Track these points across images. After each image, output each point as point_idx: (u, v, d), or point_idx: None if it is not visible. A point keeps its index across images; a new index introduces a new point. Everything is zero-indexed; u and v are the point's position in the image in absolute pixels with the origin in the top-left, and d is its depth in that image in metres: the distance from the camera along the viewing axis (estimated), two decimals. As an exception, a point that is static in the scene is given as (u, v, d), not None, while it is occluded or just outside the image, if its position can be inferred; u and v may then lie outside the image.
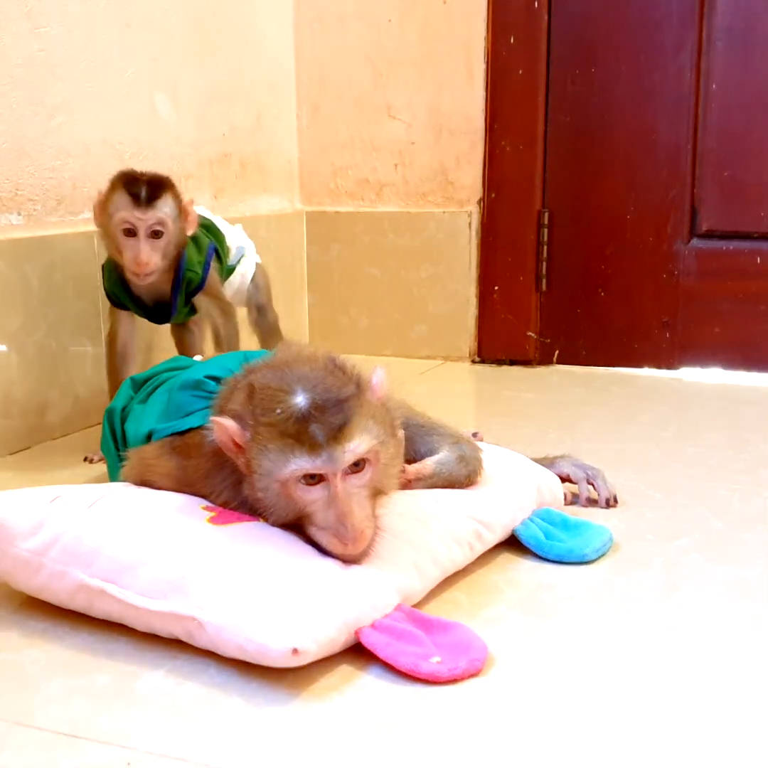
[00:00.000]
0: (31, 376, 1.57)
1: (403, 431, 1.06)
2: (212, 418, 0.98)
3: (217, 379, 1.08)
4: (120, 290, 1.55)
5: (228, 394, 1.01)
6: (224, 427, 0.95)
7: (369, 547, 0.94)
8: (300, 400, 0.92)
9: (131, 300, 1.56)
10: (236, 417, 0.96)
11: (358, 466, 0.94)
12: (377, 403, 0.98)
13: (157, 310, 1.59)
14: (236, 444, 0.96)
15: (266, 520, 0.97)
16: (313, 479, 0.93)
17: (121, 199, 1.47)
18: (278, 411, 0.92)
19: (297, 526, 0.96)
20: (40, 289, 1.58)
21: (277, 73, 2.27)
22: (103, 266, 1.58)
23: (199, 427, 1.04)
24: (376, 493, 0.97)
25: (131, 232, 1.47)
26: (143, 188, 1.48)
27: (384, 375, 1.01)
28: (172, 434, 1.08)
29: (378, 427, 0.95)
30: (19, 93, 1.56)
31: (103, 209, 1.49)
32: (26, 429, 1.57)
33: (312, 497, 0.93)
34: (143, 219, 1.46)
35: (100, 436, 1.30)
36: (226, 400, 1.01)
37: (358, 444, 0.92)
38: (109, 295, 1.57)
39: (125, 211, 1.46)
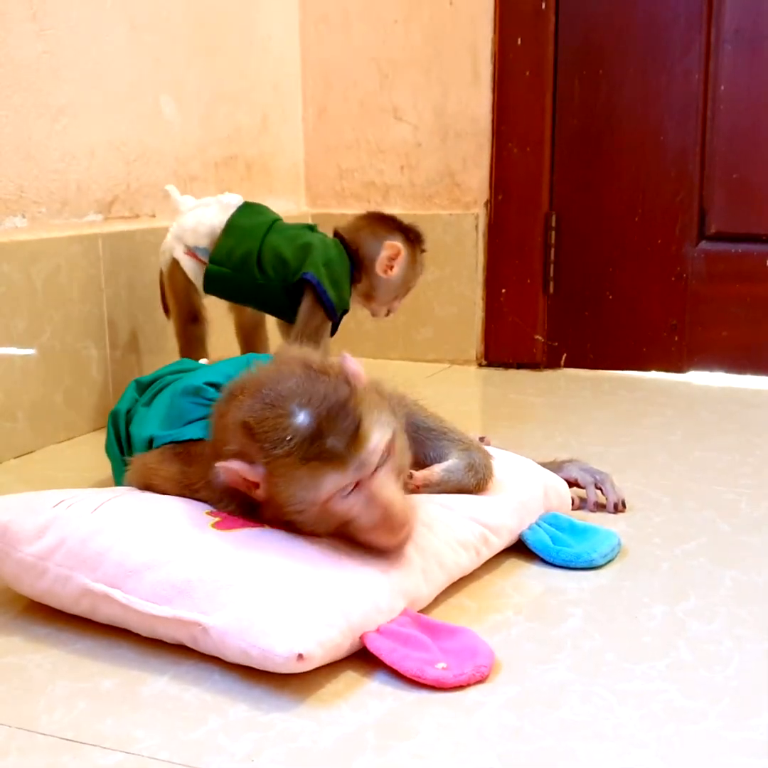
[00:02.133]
0: (35, 378, 1.57)
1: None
2: (217, 464, 0.95)
3: (216, 386, 1.07)
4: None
5: (217, 420, 1.00)
6: (233, 471, 0.94)
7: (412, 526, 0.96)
8: (302, 418, 0.90)
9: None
10: (240, 455, 0.94)
11: (382, 457, 0.93)
12: (369, 390, 0.96)
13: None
14: (249, 481, 0.94)
15: (302, 533, 0.96)
16: (350, 488, 0.92)
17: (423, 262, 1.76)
18: (288, 438, 0.90)
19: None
20: (44, 292, 1.58)
21: (282, 74, 2.27)
22: (337, 285, 1.63)
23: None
24: (399, 473, 0.97)
25: None
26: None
27: (351, 359, 0.98)
28: (173, 441, 1.08)
29: (383, 414, 0.95)
30: (24, 95, 1.56)
31: (412, 266, 1.71)
32: (31, 432, 1.57)
33: (350, 504, 0.93)
34: None
35: (105, 439, 1.29)
36: (219, 430, 0.99)
37: (377, 441, 0.92)
38: (338, 311, 1.65)
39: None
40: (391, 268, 1.69)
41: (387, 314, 1.77)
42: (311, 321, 1.63)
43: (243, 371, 1.02)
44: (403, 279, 1.72)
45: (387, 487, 0.93)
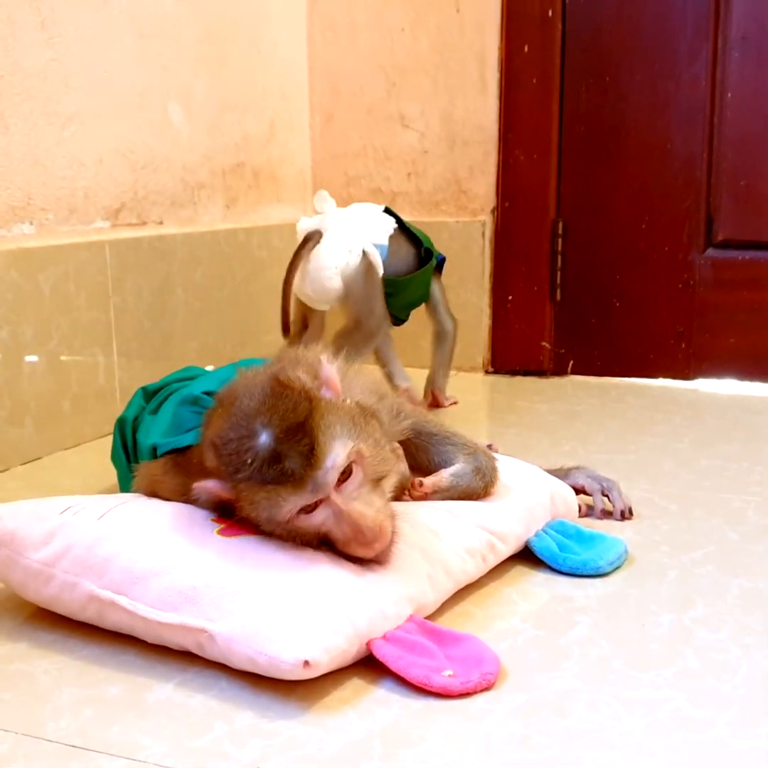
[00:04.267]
0: (42, 385, 1.57)
1: (392, 400, 1.06)
2: (195, 485, 0.96)
3: (213, 394, 1.07)
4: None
5: (204, 431, 1.01)
6: (208, 490, 0.95)
7: (392, 537, 0.94)
8: (263, 440, 0.90)
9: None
10: (216, 473, 0.95)
11: (345, 472, 0.92)
12: (335, 401, 0.95)
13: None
14: (226, 499, 0.95)
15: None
16: (312, 507, 0.92)
17: None
18: (249, 461, 0.90)
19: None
20: (52, 299, 1.58)
21: (289, 82, 2.27)
22: (395, 292, 1.73)
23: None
24: (377, 481, 0.96)
25: None
26: None
27: (329, 363, 0.98)
28: (174, 450, 1.08)
29: (347, 427, 0.93)
30: (33, 103, 1.56)
31: None
32: (38, 438, 1.57)
33: (319, 520, 0.93)
34: None
35: (111, 447, 1.30)
36: (202, 442, 1.00)
37: (334, 458, 0.90)
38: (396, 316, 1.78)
39: None
40: None
41: None
42: None
43: (232, 379, 1.03)
44: None
45: (356, 501, 0.92)
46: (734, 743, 0.77)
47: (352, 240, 1.67)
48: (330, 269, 1.65)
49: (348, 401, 0.97)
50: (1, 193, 1.52)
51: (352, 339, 1.68)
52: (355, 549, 0.93)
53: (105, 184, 1.72)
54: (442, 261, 1.87)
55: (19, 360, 1.53)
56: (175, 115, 1.89)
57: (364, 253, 1.67)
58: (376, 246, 1.69)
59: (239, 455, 0.91)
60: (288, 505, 0.91)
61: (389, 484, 0.99)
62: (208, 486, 0.95)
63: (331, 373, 0.97)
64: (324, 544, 0.95)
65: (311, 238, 1.67)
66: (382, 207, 1.78)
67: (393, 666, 0.86)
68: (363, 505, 0.92)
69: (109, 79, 1.71)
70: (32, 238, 1.58)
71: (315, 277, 1.66)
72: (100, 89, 1.69)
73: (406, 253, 1.77)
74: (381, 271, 1.69)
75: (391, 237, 1.72)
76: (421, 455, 1.13)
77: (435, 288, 1.87)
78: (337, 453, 0.91)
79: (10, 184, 1.54)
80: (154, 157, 1.84)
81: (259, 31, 2.14)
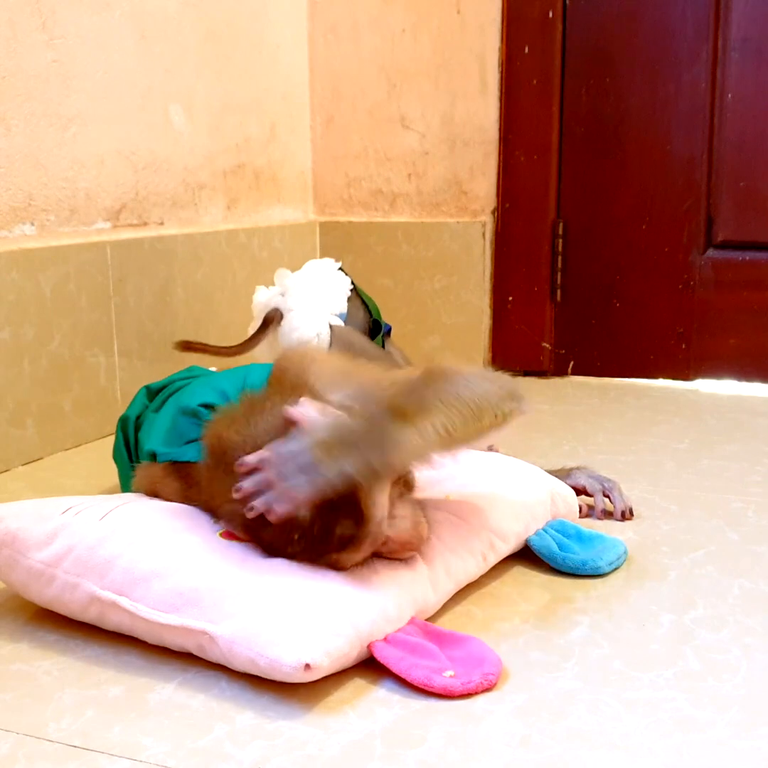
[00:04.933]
0: (44, 386, 1.57)
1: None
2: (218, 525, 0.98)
3: (211, 406, 1.07)
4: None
5: (209, 449, 1.01)
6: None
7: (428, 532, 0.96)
8: (303, 515, 0.88)
9: None
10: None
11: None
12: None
13: None
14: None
15: None
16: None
17: None
18: (296, 538, 0.90)
19: None
20: (53, 300, 1.58)
21: (291, 84, 2.27)
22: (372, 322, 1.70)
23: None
24: (401, 489, 0.95)
25: None
26: None
27: (306, 405, 0.93)
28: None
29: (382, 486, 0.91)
30: (34, 104, 1.56)
31: None
32: (39, 439, 1.57)
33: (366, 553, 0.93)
34: None
35: (113, 444, 1.30)
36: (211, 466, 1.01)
37: (380, 508, 0.90)
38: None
39: None
40: None
41: None
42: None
43: (238, 390, 1.04)
44: None
45: (394, 520, 0.92)
46: (734, 743, 0.77)
47: (316, 319, 1.62)
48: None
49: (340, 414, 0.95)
50: (2, 194, 1.52)
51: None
52: (400, 556, 0.94)
53: (106, 185, 1.72)
54: (388, 331, 1.78)
55: (20, 360, 1.53)
56: (176, 117, 1.89)
57: (331, 328, 1.65)
58: (338, 315, 1.65)
59: (284, 534, 0.91)
60: (349, 565, 0.92)
61: (407, 480, 0.98)
62: (236, 533, 0.96)
63: (303, 413, 0.92)
64: None
65: (272, 319, 1.61)
66: (338, 264, 1.71)
67: (394, 668, 0.86)
68: (400, 520, 0.93)
69: (110, 80, 1.72)
70: (33, 239, 1.58)
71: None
72: (101, 90, 1.70)
73: (362, 317, 1.73)
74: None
75: (348, 299, 1.67)
76: None
77: (393, 352, 1.78)
78: (379, 501, 0.89)
79: (12, 185, 1.54)
80: (155, 158, 1.84)
81: (261, 32, 2.14)
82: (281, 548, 0.92)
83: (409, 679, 0.85)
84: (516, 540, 1.12)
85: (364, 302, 1.73)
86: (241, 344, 1.63)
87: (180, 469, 1.07)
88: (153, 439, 1.14)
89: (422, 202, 2.31)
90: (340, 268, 1.69)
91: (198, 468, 1.03)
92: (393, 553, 0.95)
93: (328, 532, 0.89)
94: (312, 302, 1.63)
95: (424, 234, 2.29)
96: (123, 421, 1.27)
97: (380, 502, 0.90)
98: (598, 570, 1.10)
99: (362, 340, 1.67)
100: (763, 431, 1.77)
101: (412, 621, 0.92)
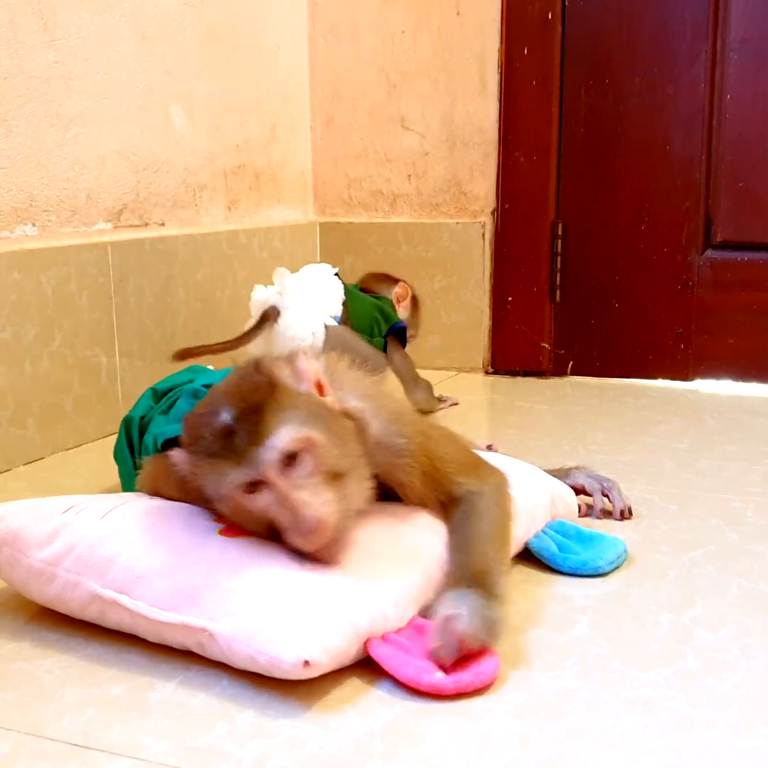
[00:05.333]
0: (45, 385, 1.58)
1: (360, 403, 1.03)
2: (170, 451, 1.00)
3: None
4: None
5: None
6: (175, 458, 0.99)
7: (338, 535, 0.93)
8: (220, 417, 0.92)
9: None
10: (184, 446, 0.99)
11: (293, 458, 0.92)
12: (302, 392, 0.96)
13: None
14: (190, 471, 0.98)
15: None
16: (256, 487, 0.92)
17: None
18: (206, 436, 0.93)
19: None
20: (54, 300, 1.59)
21: (291, 84, 2.28)
22: (376, 334, 1.78)
23: None
24: (334, 476, 0.94)
25: None
26: None
27: (307, 360, 0.99)
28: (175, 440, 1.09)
29: (302, 414, 0.93)
30: (35, 105, 1.57)
31: (414, 314, 1.94)
32: (40, 439, 1.58)
33: (263, 504, 0.92)
34: None
35: (115, 443, 1.30)
36: None
37: (278, 439, 0.91)
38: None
39: None
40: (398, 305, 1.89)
41: None
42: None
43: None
44: (408, 323, 1.89)
45: (304, 489, 0.91)
46: (733, 743, 0.77)
47: (312, 319, 1.67)
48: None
49: (328, 399, 0.98)
50: (3, 195, 1.53)
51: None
52: (294, 538, 0.91)
53: (107, 186, 1.72)
54: (402, 329, 1.85)
55: (21, 360, 1.53)
56: (177, 118, 1.89)
57: (326, 327, 1.68)
58: (333, 317, 1.71)
59: (198, 429, 0.95)
60: (227, 479, 0.92)
61: (353, 484, 0.96)
62: (174, 456, 0.98)
63: (307, 367, 0.98)
64: (274, 537, 0.94)
65: (269, 316, 1.67)
66: (335, 270, 1.77)
67: (385, 665, 0.86)
68: (308, 494, 0.91)
69: (111, 81, 1.72)
70: (34, 240, 1.58)
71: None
72: (102, 91, 1.70)
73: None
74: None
75: (342, 303, 1.74)
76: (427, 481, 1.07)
77: (396, 358, 1.83)
78: (282, 434, 0.91)
79: (13, 186, 1.54)
80: (156, 159, 1.84)
81: (261, 34, 2.14)
82: (191, 443, 0.96)
83: (398, 677, 0.85)
84: (516, 543, 1.12)
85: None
86: (237, 338, 1.66)
87: None
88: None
89: (422, 202, 2.31)
90: (336, 274, 1.77)
91: None
92: (289, 534, 0.92)
93: (227, 437, 0.92)
94: (308, 302, 1.68)
95: (424, 234, 2.29)
96: (127, 422, 1.27)
97: (284, 439, 0.91)
98: (598, 569, 1.10)
99: (356, 340, 1.70)
100: (762, 431, 1.77)
101: (413, 620, 0.92)
